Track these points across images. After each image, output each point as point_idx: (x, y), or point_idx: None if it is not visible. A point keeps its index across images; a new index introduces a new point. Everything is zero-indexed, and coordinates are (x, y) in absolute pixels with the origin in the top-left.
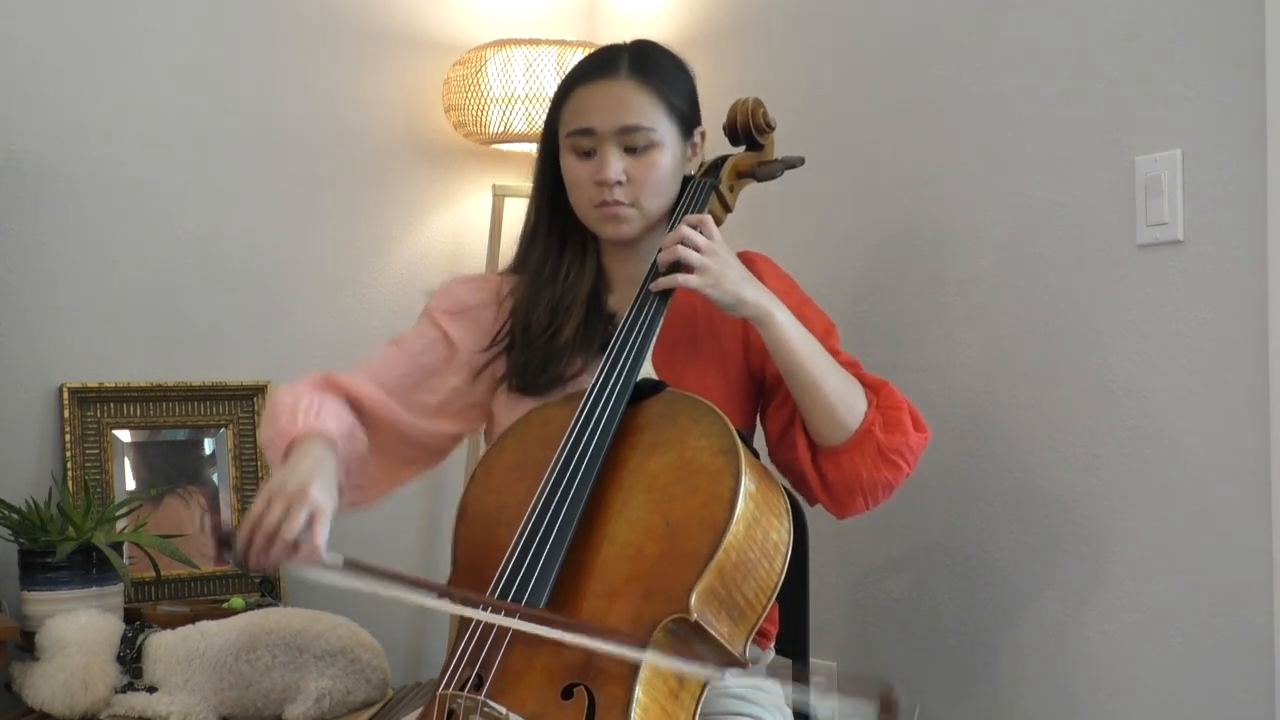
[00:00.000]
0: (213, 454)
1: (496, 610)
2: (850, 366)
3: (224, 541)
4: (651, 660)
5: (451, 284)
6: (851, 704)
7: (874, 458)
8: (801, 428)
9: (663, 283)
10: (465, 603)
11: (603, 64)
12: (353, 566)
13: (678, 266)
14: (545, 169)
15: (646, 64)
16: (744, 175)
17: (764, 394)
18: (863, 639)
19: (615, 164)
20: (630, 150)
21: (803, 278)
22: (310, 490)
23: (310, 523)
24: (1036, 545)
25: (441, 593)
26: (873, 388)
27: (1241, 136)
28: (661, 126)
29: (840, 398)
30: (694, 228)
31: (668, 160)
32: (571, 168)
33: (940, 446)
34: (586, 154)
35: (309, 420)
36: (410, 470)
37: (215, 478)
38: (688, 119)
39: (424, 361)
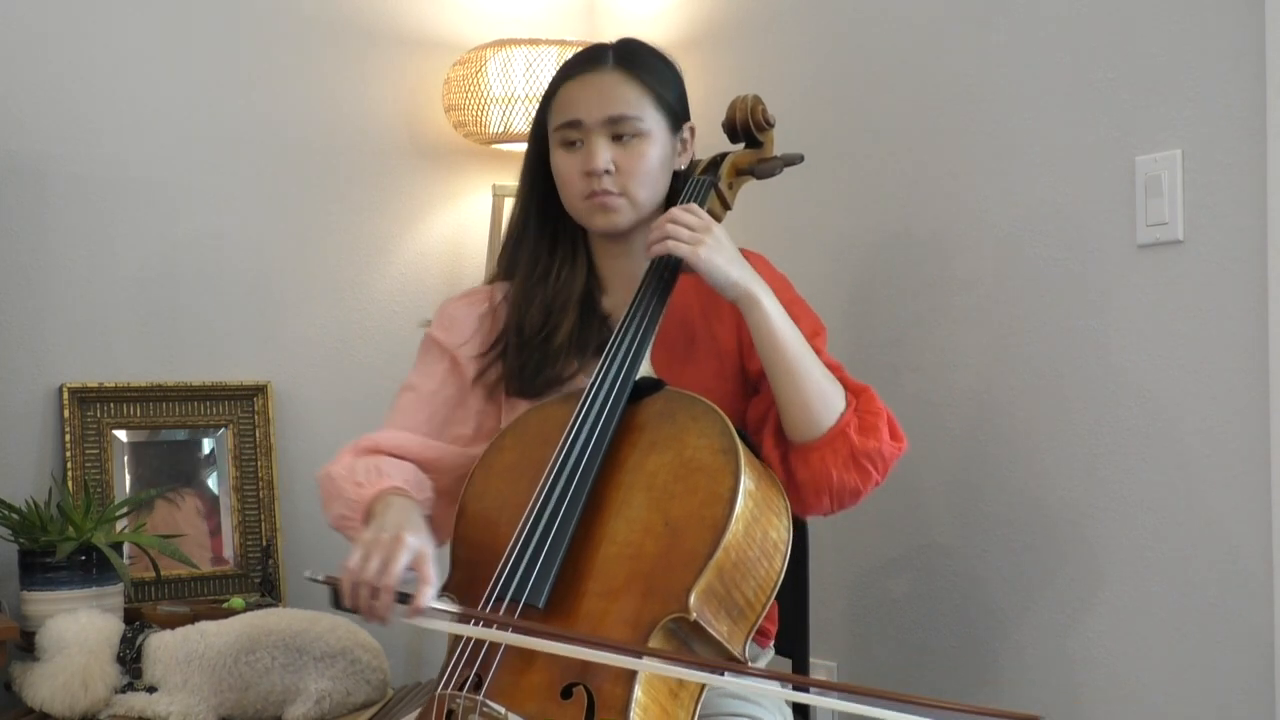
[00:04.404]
0: (212, 454)
1: (495, 619)
2: (833, 369)
3: (333, 591)
4: (647, 669)
5: (446, 306)
6: None
7: (846, 459)
8: (774, 426)
9: (655, 250)
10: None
11: (588, 58)
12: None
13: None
14: (535, 169)
15: (632, 56)
16: (743, 172)
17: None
18: (863, 639)
19: (603, 153)
20: (617, 139)
21: (801, 277)
22: (404, 536)
23: (414, 567)
24: (1036, 545)
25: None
26: (854, 391)
27: (1241, 136)
28: (648, 116)
29: (819, 393)
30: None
31: (656, 151)
32: (560, 162)
33: (940, 446)
34: (575, 145)
35: (374, 481)
36: None
37: (215, 478)
38: (675, 112)
39: (444, 396)
